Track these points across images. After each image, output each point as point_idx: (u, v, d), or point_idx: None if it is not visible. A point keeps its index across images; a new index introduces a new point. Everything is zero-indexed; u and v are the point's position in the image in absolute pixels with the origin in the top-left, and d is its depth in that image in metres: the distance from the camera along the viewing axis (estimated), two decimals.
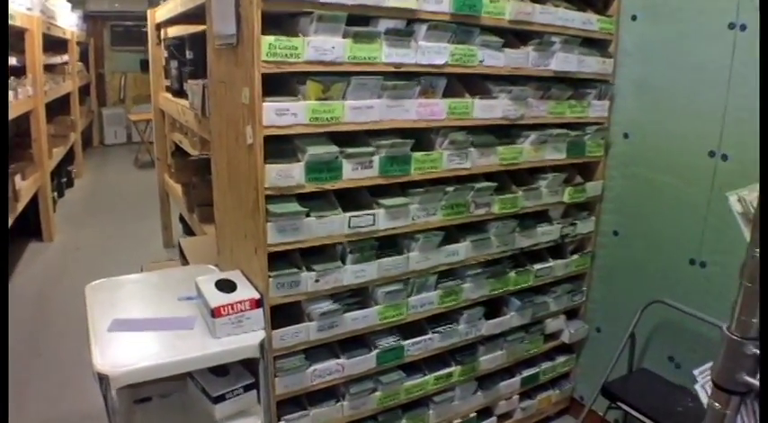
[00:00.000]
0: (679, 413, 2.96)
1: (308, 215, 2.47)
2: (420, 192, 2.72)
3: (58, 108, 7.41)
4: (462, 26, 2.67)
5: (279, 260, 2.51)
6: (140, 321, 2.45)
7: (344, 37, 2.40)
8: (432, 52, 2.61)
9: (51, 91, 6.53)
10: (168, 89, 5.45)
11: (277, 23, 2.42)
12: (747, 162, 2.89)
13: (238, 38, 2.40)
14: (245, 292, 2.47)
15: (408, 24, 2.58)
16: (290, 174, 2.40)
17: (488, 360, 3.30)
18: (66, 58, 7.78)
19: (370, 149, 2.55)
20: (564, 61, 3.07)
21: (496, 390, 3.42)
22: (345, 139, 2.54)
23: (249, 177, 2.45)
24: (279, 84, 2.38)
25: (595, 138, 3.34)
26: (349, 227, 2.58)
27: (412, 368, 3.06)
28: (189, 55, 4.53)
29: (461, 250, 2.98)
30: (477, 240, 3.00)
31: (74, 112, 7.93)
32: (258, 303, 2.43)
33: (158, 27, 5.73)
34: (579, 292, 3.62)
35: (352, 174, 2.54)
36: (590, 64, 3.20)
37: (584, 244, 3.60)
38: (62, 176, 7.35)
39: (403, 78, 2.60)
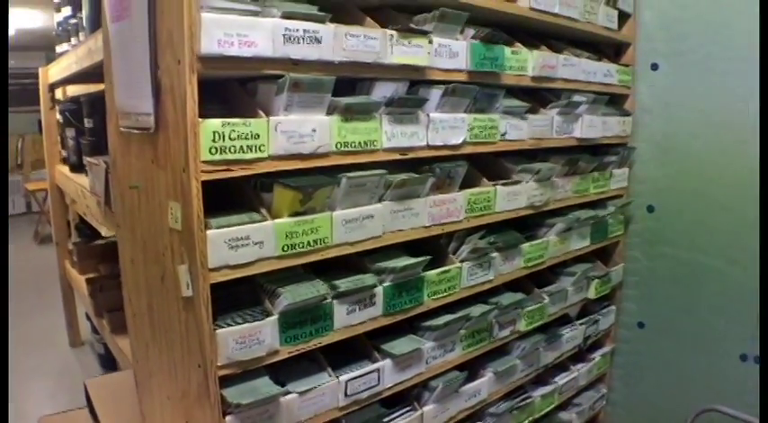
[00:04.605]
0: None
1: (286, 392, 1.43)
2: (438, 326, 1.72)
3: None
4: (485, 88, 1.72)
5: None
6: None
7: (329, 113, 1.40)
8: (446, 128, 1.65)
9: None
10: (65, 161, 4.22)
11: (216, 92, 1.40)
12: None
13: (159, 121, 1.35)
14: None
15: (411, 88, 1.61)
16: (257, 338, 1.36)
17: None
18: None
19: (372, 281, 1.54)
20: (589, 126, 2.17)
21: None
22: (327, 264, 1.53)
23: (189, 346, 1.39)
24: (222, 185, 1.35)
25: (616, 215, 2.45)
26: (346, 395, 1.55)
27: None
28: (88, 123, 3.38)
29: (484, 387, 2.00)
30: (501, 371, 2.03)
31: None
32: None
33: (52, 88, 4.50)
34: (600, 397, 2.70)
35: (348, 319, 1.53)
36: (611, 126, 2.32)
37: (602, 340, 2.69)
38: None
39: (408, 168, 1.62)
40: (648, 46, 2.47)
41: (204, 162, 1.24)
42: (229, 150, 1.26)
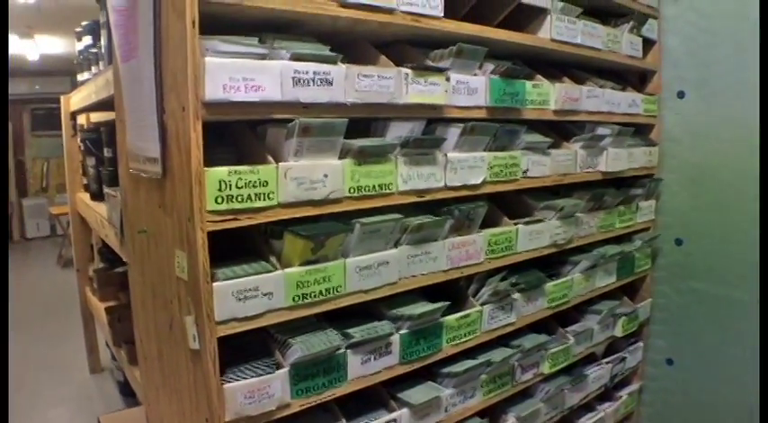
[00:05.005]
0: None
1: None
2: (458, 373, 1.64)
3: None
4: (506, 125, 1.65)
5: None
6: None
7: (342, 156, 1.33)
8: (465, 167, 1.57)
9: None
10: (86, 189, 4.21)
11: (225, 134, 1.35)
12: None
13: (165, 166, 1.29)
14: None
15: (428, 126, 1.54)
16: (267, 392, 1.29)
17: None
18: None
19: (388, 329, 1.46)
20: (614, 158, 2.08)
21: None
22: (341, 310, 1.45)
23: (197, 398, 1.32)
24: (231, 230, 1.28)
25: (643, 249, 2.35)
26: None
27: None
28: (107, 153, 3.35)
29: None
30: (524, 416, 1.93)
31: None
32: None
33: (74, 116, 4.50)
34: None
35: (362, 369, 1.45)
36: (637, 157, 2.23)
37: (630, 378, 2.57)
38: None
39: (425, 210, 1.55)
40: (674, 73, 2.38)
41: (210, 212, 1.17)
42: (236, 199, 1.19)
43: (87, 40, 3.33)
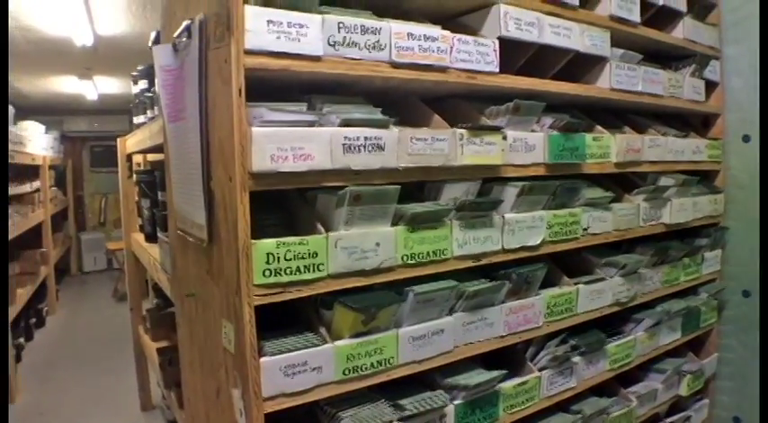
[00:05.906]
0: None
1: None
2: None
3: (28, 240, 6.12)
4: (565, 182, 1.55)
5: None
6: None
7: (395, 223, 1.26)
8: (523, 228, 1.48)
9: (18, 225, 5.27)
10: (141, 229, 4.23)
11: (273, 198, 1.29)
12: None
13: (212, 233, 1.24)
14: None
15: (484, 184, 1.46)
16: None
17: None
18: (36, 184, 6.54)
19: (443, 400, 1.37)
20: (678, 210, 1.95)
21: None
22: (394, 380, 1.36)
23: None
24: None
25: (709, 302, 2.20)
26: None
27: None
28: (161, 196, 3.36)
29: None
30: None
31: (45, 244, 6.59)
32: None
33: (129, 158, 4.56)
34: None
35: None
36: (702, 206, 2.09)
37: None
38: (30, 317, 5.90)
39: (481, 274, 1.46)
40: (739, 116, 2.25)
41: (257, 286, 1.11)
42: (285, 272, 1.13)
43: (143, 83, 3.36)
